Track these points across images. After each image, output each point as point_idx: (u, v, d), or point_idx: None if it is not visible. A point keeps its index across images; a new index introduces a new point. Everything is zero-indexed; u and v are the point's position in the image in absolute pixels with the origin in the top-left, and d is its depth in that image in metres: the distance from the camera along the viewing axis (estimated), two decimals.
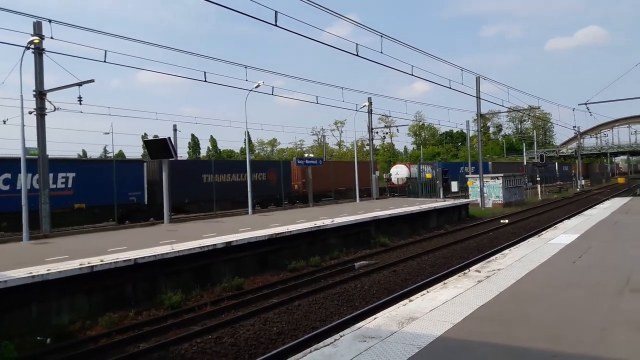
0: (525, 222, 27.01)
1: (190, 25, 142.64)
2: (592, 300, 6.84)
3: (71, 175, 23.18)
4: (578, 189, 60.62)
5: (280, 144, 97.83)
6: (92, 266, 10.66)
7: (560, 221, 20.50)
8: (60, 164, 23.26)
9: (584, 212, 22.78)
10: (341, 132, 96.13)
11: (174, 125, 39.13)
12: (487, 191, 36.88)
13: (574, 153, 79.18)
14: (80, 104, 20.05)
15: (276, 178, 34.36)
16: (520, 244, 13.10)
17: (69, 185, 23.04)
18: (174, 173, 25.33)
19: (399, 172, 53.16)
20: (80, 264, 10.69)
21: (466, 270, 9.59)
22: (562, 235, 13.73)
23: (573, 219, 19.15)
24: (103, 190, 23.70)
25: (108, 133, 42.68)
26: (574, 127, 63.61)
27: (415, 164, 52.37)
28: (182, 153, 74.80)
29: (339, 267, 15.37)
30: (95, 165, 17.89)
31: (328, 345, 5.41)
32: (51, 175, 21.04)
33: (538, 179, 48.64)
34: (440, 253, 17.78)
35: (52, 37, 17.08)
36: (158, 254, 12.02)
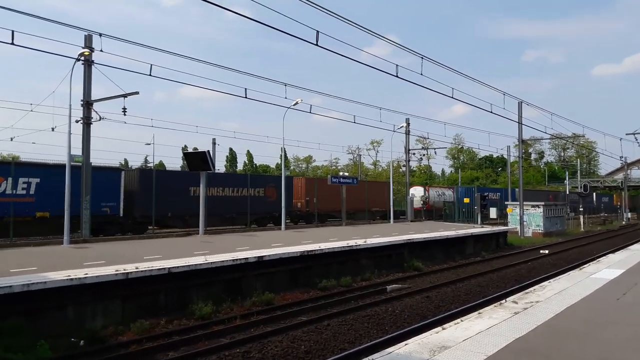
0: (567, 254, 26.04)
1: (230, 41, 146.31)
2: (635, 339, 6.47)
3: (34, 180, 21.18)
4: (624, 222, 58.23)
5: (316, 161, 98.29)
6: (127, 273, 10.87)
7: (604, 255, 19.65)
8: (22, 168, 21.54)
9: (629, 247, 21.78)
10: (377, 151, 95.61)
11: (213, 139, 40.05)
12: (527, 219, 35.86)
13: (620, 184, 76.21)
14: (125, 114, 20.75)
15: (275, 194, 31.18)
16: (561, 276, 12.59)
17: (31, 192, 21.09)
18: (157, 183, 24.91)
19: (415, 194, 48.61)
20: (116, 270, 10.92)
21: (502, 301, 9.27)
22: (606, 269, 13.14)
23: (618, 253, 18.33)
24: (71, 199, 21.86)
25: (149, 144, 44.14)
26: (621, 157, 61.27)
27: (435, 187, 49.66)
28: (220, 166, 76.12)
29: (371, 289, 15.16)
30: (62, 171, 16.65)
31: None
32: (10, 180, 20.27)
33: (581, 209, 47.00)
34: (475, 281, 17.31)
35: (101, 50, 17.79)
36: (192, 265, 12.17)
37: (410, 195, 47.57)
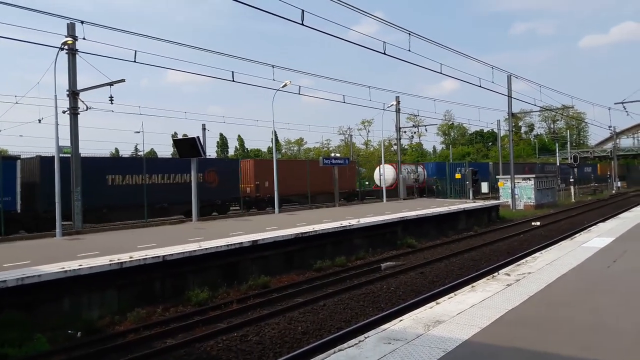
0: (558, 225, 26.33)
1: (216, 24, 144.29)
2: (627, 306, 6.58)
3: None
4: (614, 191, 58.82)
5: (307, 143, 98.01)
6: (121, 262, 10.87)
7: (595, 224, 19.88)
8: None
9: (619, 215, 22.06)
10: (368, 131, 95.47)
11: (203, 125, 39.64)
12: (519, 192, 36.12)
13: (609, 154, 76.80)
14: (112, 103, 20.48)
15: (217, 180, 28.33)
16: (552, 247, 12.75)
17: None
18: (65, 172, 19.87)
19: (385, 173, 44.60)
20: (110, 260, 10.91)
21: (495, 274, 9.39)
22: (597, 238, 13.31)
23: (608, 222, 18.56)
24: None
25: (139, 132, 43.51)
26: (610, 127, 61.67)
27: (405, 164, 46.87)
28: (211, 152, 75.81)
29: (365, 268, 15.27)
30: None
31: (352, 346, 5.35)
32: None
33: (572, 180, 47.38)
34: (469, 255, 17.48)
35: (84, 38, 17.49)
36: (186, 252, 12.18)
37: (380, 174, 45.18)
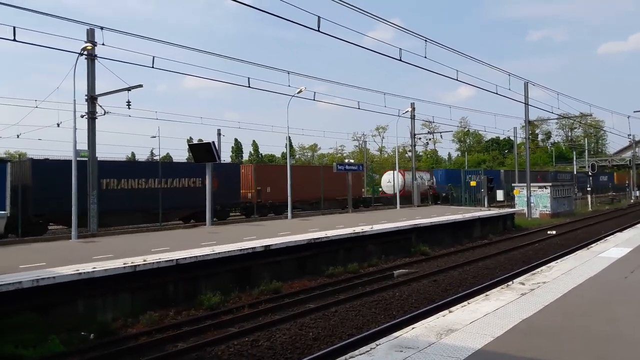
0: (574, 234, 25.95)
1: (232, 31, 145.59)
2: None
3: None
4: (632, 200, 57.84)
5: (321, 149, 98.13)
6: (135, 265, 10.95)
7: (612, 234, 19.55)
8: None
9: (638, 225, 21.66)
10: (382, 137, 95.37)
11: (218, 130, 39.93)
12: (534, 201, 35.70)
13: (628, 162, 75.53)
14: (129, 108, 20.71)
15: (217, 185, 26.20)
16: (568, 256, 12.54)
17: None
18: (56, 176, 20.21)
19: (391, 179, 44.33)
20: (124, 263, 11.00)
21: (510, 282, 9.26)
22: (614, 248, 13.07)
23: (626, 232, 18.23)
24: None
25: (155, 136, 44.08)
26: (629, 135, 60.73)
27: (410, 170, 44.47)
28: (226, 157, 76.23)
29: (378, 275, 15.19)
30: None
31: (364, 353, 5.31)
32: None
33: (589, 188, 46.70)
34: (483, 264, 17.30)
35: (103, 44, 17.74)
36: (199, 256, 12.23)
37: (387, 181, 45.04)
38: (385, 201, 41.54)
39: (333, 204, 35.37)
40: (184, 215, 26.21)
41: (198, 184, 26.31)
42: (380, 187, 47.17)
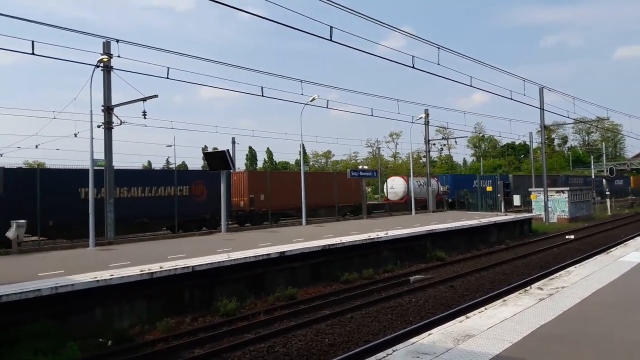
0: (593, 239, 25.53)
1: (245, 41, 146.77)
2: None
3: None
4: None
5: (335, 155, 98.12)
6: (152, 272, 11.03)
7: (632, 238, 19.22)
8: None
9: None
10: (396, 143, 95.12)
11: (233, 138, 40.21)
12: (552, 205, 35.26)
13: None
14: (145, 118, 20.95)
15: (205, 193, 25.96)
16: (587, 261, 12.35)
17: None
18: (30, 186, 19.46)
19: (395, 186, 43.74)
20: (141, 270, 11.09)
21: (527, 288, 9.13)
22: (634, 252, 12.84)
23: None
24: None
25: (170, 145, 44.43)
26: None
27: (417, 176, 42.68)
28: (240, 164, 76.69)
29: (393, 281, 15.10)
30: None
31: (381, 359, 5.28)
32: None
33: (607, 192, 45.98)
34: (500, 269, 17.10)
35: (119, 56, 18.03)
36: (215, 262, 12.29)
37: (390, 187, 43.70)
38: (388, 208, 39.73)
39: (330, 211, 33.50)
40: (171, 225, 24.86)
41: (185, 192, 25.49)
42: (379, 194, 45.80)
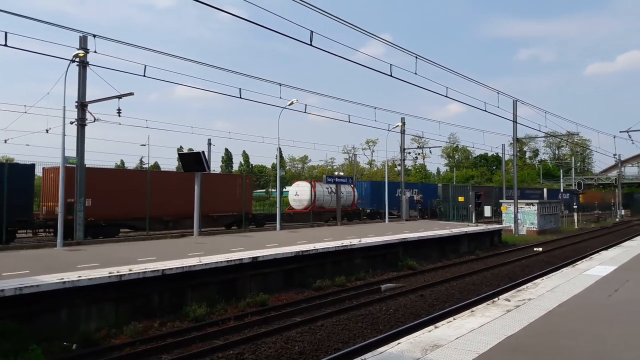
0: (560, 251, 26.14)
1: (225, 42, 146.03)
2: (628, 336, 6.51)
3: None
4: (617, 219, 58.54)
5: (312, 160, 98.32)
6: (121, 275, 10.83)
7: (597, 252, 19.76)
8: None
9: (622, 244, 21.91)
10: (372, 151, 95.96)
11: (209, 140, 39.84)
12: (522, 217, 35.98)
13: (614, 182, 76.54)
14: (119, 115, 20.65)
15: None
16: (554, 273, 12.65)
17: None
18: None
19: (300, 192, 37.83)
20: (110, 273, 10.88)
21: (495, 299, 9.31)
22: (599, 266, 13.21)
23: (611, 250, 18.42)
24: None
25: (145, 145, 43.86)
26: (615, 154, 61.60)
27: (321, 181, 37.18)
28: (216, 167, 75.96)
29: (365, 289, 15.17)
30: None
31: None
32: None
33: (575, 206, 47.20)
34: (470, 279, 17.36)
35: (95, 51, 17.74)
36: (185, 266, 12.14)
37: (294, 193, 38.62)
38: (287, 218, 33.73)
39: (210, 220, 27.81)
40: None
41: None
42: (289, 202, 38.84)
